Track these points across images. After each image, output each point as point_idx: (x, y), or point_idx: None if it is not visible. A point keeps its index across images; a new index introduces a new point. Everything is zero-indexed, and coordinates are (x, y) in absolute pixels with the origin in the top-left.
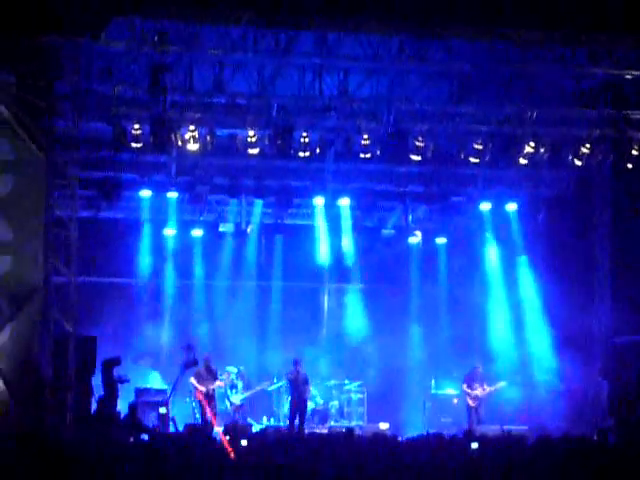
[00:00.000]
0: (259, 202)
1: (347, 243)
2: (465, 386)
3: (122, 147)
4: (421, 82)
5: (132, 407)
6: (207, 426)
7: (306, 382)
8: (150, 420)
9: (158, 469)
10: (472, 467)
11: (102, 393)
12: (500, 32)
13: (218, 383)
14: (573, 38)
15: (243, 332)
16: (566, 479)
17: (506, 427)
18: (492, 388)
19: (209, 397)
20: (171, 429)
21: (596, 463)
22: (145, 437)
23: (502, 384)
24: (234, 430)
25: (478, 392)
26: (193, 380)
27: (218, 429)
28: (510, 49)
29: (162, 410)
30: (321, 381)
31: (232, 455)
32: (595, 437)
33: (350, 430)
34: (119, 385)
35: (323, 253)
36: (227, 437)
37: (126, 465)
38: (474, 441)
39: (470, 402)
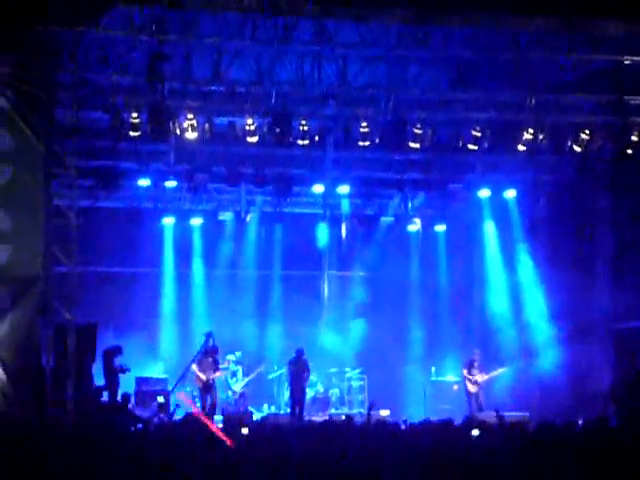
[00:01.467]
0: (259, 191)
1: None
2: (465, 372)
3: (121, 136)
4: (420, 69)
5: (125, 397)
6: (206, 415)
7: (307, 370)
8: (150, 409)
9: (153, 458)
10: (473, 454)
11: (103, 382)
12: (499, 19)
13: (218, 374)
14: (572, 24)
15: (243, 320)
16: (567, 465)
17: (507, 414)
18: (492, 374)
19: (208, 386)
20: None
21: (597, 449)
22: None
23: (502, 370)
24: (235, 419)
25: (478, 378)
26: (195, 368)
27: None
28: (509, 36)
29: (160, 399)
30: (322, 369)
31: (229, 443)
32: (596, 423)
33: (349, 417)
34: (120, 374)
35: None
36: (220, 426)
37: (124, 453)
38: (474, 428)
39: (470, 388)
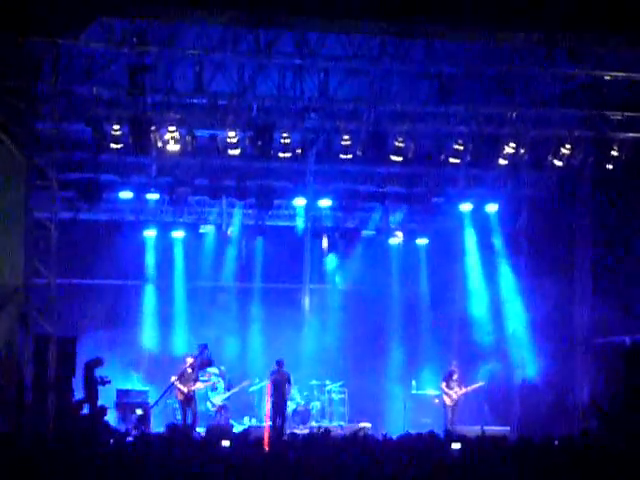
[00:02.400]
0: (240, 204)
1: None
2: (444, 385)
3: (102, 148)
4: (402, 83)
5: (101, 409)
6: (187, 427)
7: (288, 382)
8: (130, 421)
9: (135, 470)
10: (453, 468)
11: (82, 394)
12: (481, 33)
13: (199, 385)
14: (553, 39)
15: (224, 333)
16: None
17: (487, 428)
18: (469, 388)
19: (189, 398)
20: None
21: (578, 463)
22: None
23: (480, 384)
24: (216, 431)
25: (454, 392)
26: (175, 380)
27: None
28: (491, 50)
29: (138, 412)
30: (303, 381)
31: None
32: (577, 438)
33: (327, 430)
34: (100, 386)
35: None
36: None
37: (102, 465)
38: (455, 441)
39: (447, 401)
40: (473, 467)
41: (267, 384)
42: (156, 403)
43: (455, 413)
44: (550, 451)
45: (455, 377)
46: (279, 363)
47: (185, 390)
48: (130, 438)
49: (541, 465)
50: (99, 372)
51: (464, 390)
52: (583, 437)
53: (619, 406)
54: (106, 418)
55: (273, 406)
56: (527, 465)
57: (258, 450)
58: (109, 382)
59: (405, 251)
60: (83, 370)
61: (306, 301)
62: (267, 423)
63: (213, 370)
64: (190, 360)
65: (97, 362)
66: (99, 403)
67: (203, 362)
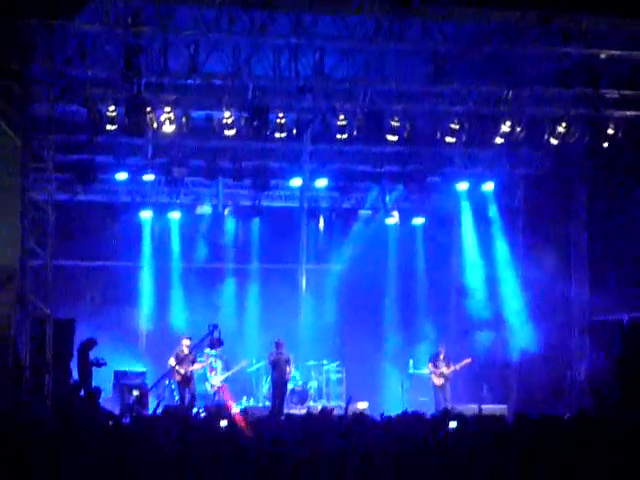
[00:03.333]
0: (236, 184)
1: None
2: (430, 365)
3: (98, 130)
4: (397, 62)
5: (95, 391)
6: (185, 408)
7: (287, 363)
8: (127, 402)
9: (131, 451)
10: (450, 446)
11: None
12: (476, 12)
13: (196, 366)
14: (548, 18)
15: (222, 314)
16: (545, 458)
17: (484, 406)
18: (458, 366)
19: (187, 379)
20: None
21: (575, 442)
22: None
23: (467, 361)
24: (214, 411)
25: (443, 370)
26: (172, 361)
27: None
28: (486, 29)
29: (135, 393)
30: (300, 362)
31: (248, 434)
32: (574, 416)
33: (326, 409)
34: (95, 368)
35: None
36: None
37: (101, 446)
38: (452, 420)
39: (435, 381)
40: (470, 446)
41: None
42: (154, 386)
43: (446, 392)
44: (547, 429)
45: (442, 357)
46: (278, 344)
47: (183, 371)
48: (127, 419)
49: (538, 443)
50: (94, 354)
51: (452, 368)
52: (580, 416)
53: (616, 384)
54: (103, 400)
55: (273, 387)
56: (524, 443)
57: (256, 431)
58: (105, 364)
59: (402, 231)
60: (77, 351)
61: (303, 281)
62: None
63: (210, 351)
64: (187, 342)
65: (90, 343)
66: (94, 385)
67: (214, 342)
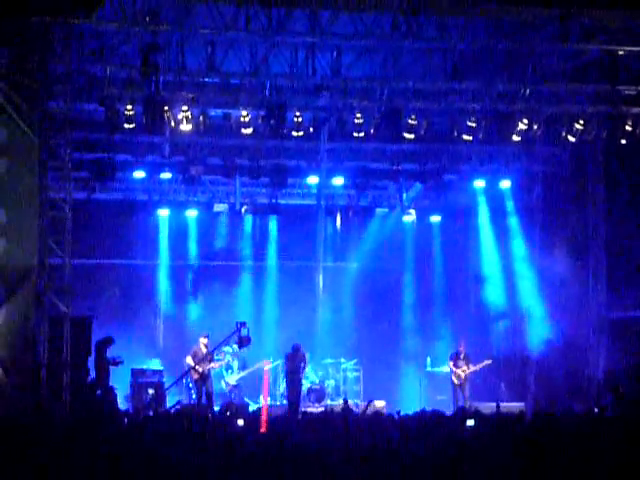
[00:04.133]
0: (253, 182)
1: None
2: (451, 364)
3: (115, 128)
4: (414, 60)
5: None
6: (202, 407)
7: (304, 362)
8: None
9: (148, 448)
10: (468, 444)
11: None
12: (494, 9)
13: (213, 364)
14: (567, 14)
15: (239, 312)
16: (563, 455)
17: (502, 404)
18: (478, 367)
19: (204, 377)
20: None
21: (592, 440)
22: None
23: (487, 362)
24: (230, 410)
25: (462, 370)
26: (189, 360)
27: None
28: (504, 26)
29: (150, 391)
30: (317, 360)
31: (263, 429)
32: (592, 414)
33: (346, 403)
34: (112, 366)
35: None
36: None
37: (118, 445)
38: (469, 418)
39: (455, 380)
40: (488, 444)
41: (264, 368)
42: (172, 385)
43: (465, 391)
44: (565, 427)
45: (462, 356)
46: (295, 348)
47: (200, 370)
48: (144, 417)
49: (556, 441)
50: (111, 352)
51: (472, 368)
52: (598, 414)
53: (634, 381)
54: (119, 398)
55: (288, 386)
56: (542, 441)
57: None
58: (122, 362)
59: (419, 228)
60: (94, 349)
61: (320, 279)
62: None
63: (227, 349)
64: (204, 340)
65: (107, 341)
66: (111, 383)
67: (242, 340)
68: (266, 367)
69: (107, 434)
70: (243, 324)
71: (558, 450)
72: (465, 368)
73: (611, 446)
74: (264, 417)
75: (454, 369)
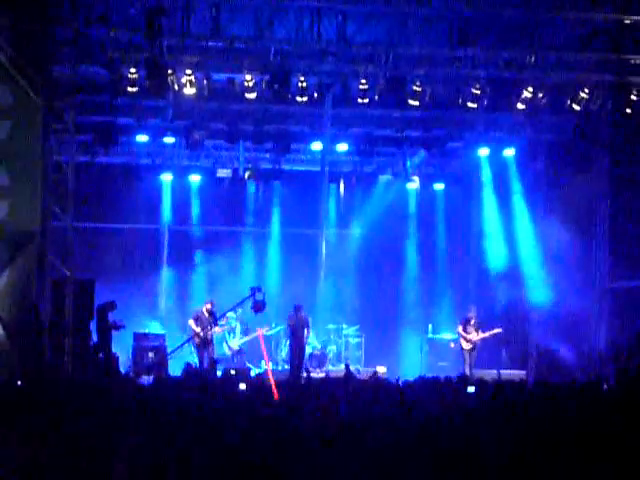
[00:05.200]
0: (257, 147)
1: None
2: (460, 328)
3: (119, 91)
4: (420, 26)
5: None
6: (205, 371)
7: (306, 326)
8: (146, 363)
9: (154, 412)
10: (468, 411)
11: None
12: None
13: (217, 329)
14: None
15: (241, 278)
16: (563, 423)
17: (503, 372)
18: (487, 334)
19: (207, 342)
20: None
21: (593, 409)
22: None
23: (497, 330)
24: (233, 374)
25: (472, 336)
26: (192, 324)
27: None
28: None
29: (150, 355)
30: (319, 326)
31: (276, 397)
32: (593, 383)
33: (348, 368)
34: (114, 331)
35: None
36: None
37: (119, 409)
38: (470, 385)
39: (464, 345)
40: (488, 410)
41: (259, 334)
42: (175, 350)
43: (472, 357)
44: (566, 396)
45: (473, 322)
46: (297, 308)
47: (202, 334)
48: (144, 381)
49: (557, 410)
50: (113, 316)
51: (482, 335)
52: (599, 384)
53: (637, 351)
54: (121, 361)
55: (291, 350)
56: (543, 409)
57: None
58: (124, 327)
59: (422, 196)
60: (95, 314)
61: (323, 245)
62: (268, 368)
63: (230, 314)
64: (208, 306)
65: (110, 305)
66: (113, 348)
67: (258, 305)
68: (259, 333)
69: (108, 396)
70: (259, 289)
71: (558, 419)
72: (474, 334)
73: (612, 416)
74: (273, 385)
75: (463, 334)
